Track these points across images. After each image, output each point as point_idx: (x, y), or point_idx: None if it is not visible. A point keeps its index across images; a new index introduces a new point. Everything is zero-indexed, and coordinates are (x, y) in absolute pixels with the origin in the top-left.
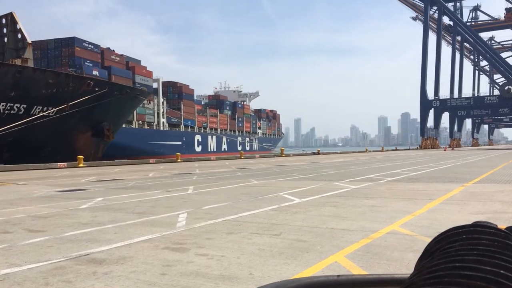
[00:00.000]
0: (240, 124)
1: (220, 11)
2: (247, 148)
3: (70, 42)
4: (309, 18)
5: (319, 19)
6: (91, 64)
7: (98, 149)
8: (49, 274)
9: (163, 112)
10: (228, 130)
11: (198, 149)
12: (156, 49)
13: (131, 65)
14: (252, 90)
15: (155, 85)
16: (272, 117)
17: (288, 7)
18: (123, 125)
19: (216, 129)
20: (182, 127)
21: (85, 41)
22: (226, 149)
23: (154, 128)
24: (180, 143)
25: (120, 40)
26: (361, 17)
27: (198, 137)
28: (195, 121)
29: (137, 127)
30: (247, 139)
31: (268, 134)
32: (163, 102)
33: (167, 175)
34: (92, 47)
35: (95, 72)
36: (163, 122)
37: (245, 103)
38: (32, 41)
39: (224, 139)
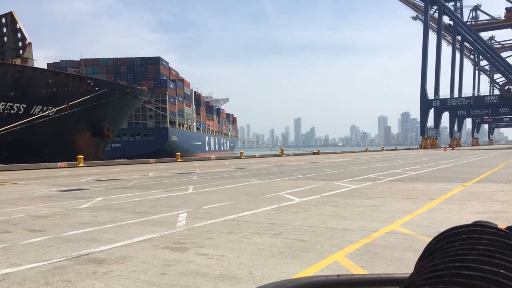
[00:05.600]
0: (222, 127)
1: (220, 8)
2: (225, 148)
3: (156, 61)
4: (308, 16)
5: (319, 16)
6: (165, 78)
7: (98, 149)
8: (49, 274)
9: (194, 116)
10: (217, 132)
11: (207, 148)
12: (155, 48)
13: (180, 78)
14: (223, 96)
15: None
16: (232, 120)
17: (286, 3)
18: (181, 128)
19: (212, 131)
20: (201, 130)
21: (163, 60)
22: (217, 149)
23: (190, 130)
24: (200, 143)
25: (120, 38)
26: (360, 15)
27: (207, 138)
28: (205, 124)
29: (185, 129)
30: (225, 139)
31: (232, 136)
32: (195, 108)
33: (167, 174)
34: (166, 64)
35: (171, 85)
36: (194, 125)
37: (222, 108)
38: (119, 58)
39: (217, 139)
